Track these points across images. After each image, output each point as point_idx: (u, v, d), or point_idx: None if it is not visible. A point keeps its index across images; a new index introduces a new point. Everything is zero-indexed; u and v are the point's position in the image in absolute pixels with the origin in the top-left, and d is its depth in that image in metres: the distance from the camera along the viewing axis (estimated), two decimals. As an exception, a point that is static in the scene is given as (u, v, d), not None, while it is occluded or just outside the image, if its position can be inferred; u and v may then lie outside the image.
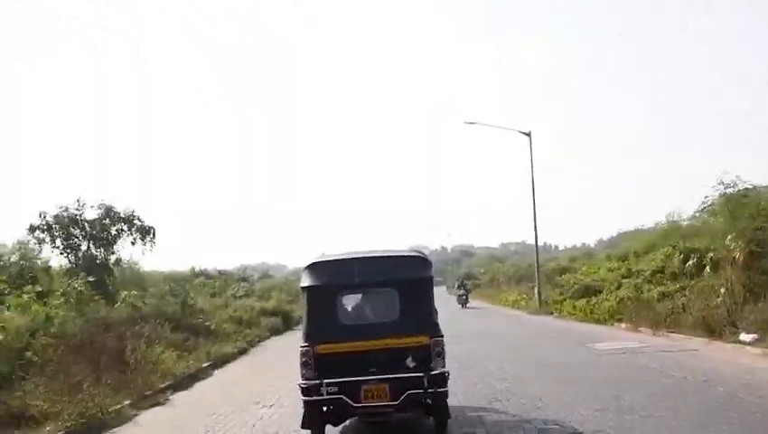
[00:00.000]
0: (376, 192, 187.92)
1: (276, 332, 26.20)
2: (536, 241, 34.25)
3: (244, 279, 43.92)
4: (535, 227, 31.85)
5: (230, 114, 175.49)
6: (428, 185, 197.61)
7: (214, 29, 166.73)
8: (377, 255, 8.04)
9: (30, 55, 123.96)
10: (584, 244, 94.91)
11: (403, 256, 8.12)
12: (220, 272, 43.59)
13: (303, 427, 7.65)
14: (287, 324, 28.69)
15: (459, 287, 48.50)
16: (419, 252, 8.20)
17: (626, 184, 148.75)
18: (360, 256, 7.96)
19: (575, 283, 29.50)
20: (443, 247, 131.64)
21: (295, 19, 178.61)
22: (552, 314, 27.51)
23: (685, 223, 26.19)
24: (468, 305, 39.18)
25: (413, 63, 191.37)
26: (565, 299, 27.96)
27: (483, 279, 63.84)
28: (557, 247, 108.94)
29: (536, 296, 31.45)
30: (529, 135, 30.85)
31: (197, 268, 41.23)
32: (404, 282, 7.62)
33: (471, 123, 32.78)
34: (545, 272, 35.68)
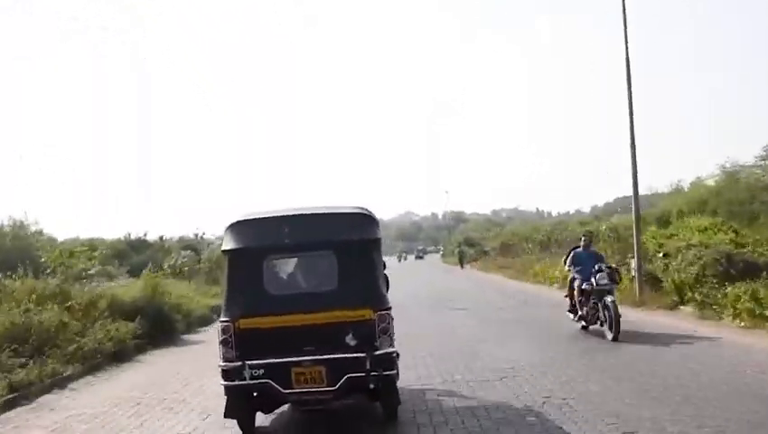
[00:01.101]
0: (371, 164, 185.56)
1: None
2: (635, 194, 17.70)
3: (190, 247, 32.17)
4: (634, 174, 17.10)
5: (230, 114, 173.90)
6: (421, 151, 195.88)
7: (214, 29, 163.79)
8: (312, 212, 6.69)
9: (30, 55, 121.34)
10: (577, 210, 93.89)
11: (343, 213, 6.74)
12: (161, 238, 35.99)
13: (226, 415, 6.45)
14: (166, 331, 14.77)
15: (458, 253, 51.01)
16: (364, 208, 6.82)
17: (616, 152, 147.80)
18: (292, 214, 6.63)
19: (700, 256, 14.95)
20: (433, 213, 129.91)
21: (295, 19, 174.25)
22: (702, 316, 13.14)
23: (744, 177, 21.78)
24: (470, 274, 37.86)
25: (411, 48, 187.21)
26: (702, 281, 14.15)
27: (490, 245, 54.28)
28: (549, 213, 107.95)
29: (634, 275, 16.64)
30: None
31: (132, 235, 34.76)
32: (344, 244, 6.36)
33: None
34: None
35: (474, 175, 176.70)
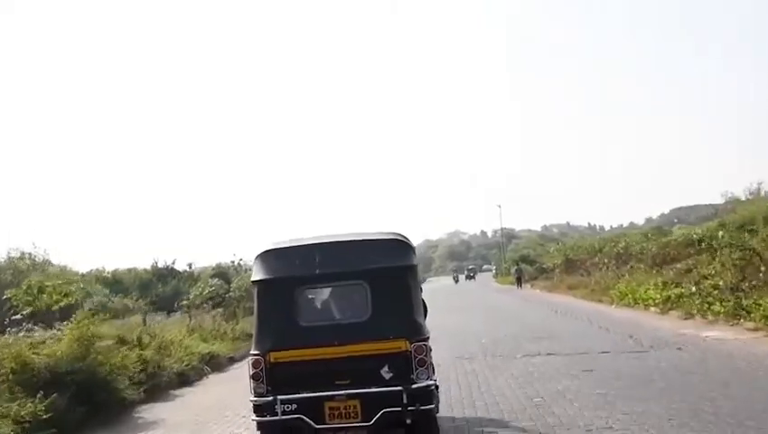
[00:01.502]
0: (415, 184, 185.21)
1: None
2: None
3: (219, 275, 29.42)
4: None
5: (270, 135, 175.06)
6: (467, 167, 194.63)
7: (250, 50, 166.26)
8: (344, 239, 6.47)
9: (30, 55, 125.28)
10: (631, 223, 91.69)
11: (376, 240, 6.47)
12: (189, 266, 32.90)
13: (259, 451, 6.23)
14: (104, 405, 9.97)
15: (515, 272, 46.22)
16: (398, 234, 6.55)
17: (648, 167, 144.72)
18: (323, 241, 6.41)
19: None
20: (482, 231, 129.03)
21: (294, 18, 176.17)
22: None
23: None
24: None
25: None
26: None
27: (549, 262, 46.55)
28: (602, 227, 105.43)
29: None
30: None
31: (159, 264, 31.72)
32: (378, 272, 6.09)
33: None
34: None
35: (522, 191, 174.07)
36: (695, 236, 23.88)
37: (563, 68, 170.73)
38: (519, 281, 44.24)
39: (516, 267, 49.29)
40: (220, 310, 21.47)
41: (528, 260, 55.00)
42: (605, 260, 32.20)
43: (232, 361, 15.41)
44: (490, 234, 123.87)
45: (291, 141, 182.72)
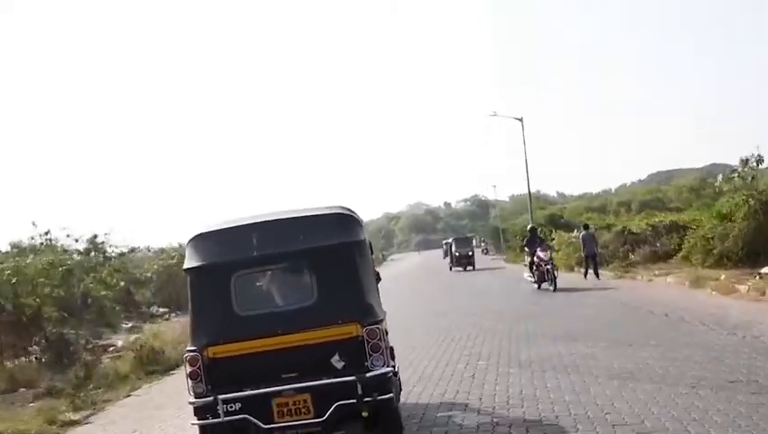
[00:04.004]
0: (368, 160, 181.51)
1: None
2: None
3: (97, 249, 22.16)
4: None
5: (230, 115, 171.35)
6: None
7: (215, 32, 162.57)
8: (282, 217, 5.82)
9: (29, 55, 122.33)
10: (604, 190, 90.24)
11: (318, 215, 5.85)
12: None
13: (203, 459, 5.61)
14: None
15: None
16: (344, 208, 5.97)
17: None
18: (260, 220, 5.76)
19: None
20: (446, 202, 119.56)
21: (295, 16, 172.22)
22: None
23: None
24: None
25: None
26: None
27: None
28: (572, 195, 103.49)
29: None
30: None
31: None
32: (321, 251, 5.50)
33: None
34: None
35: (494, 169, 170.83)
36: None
37: (562, 68, 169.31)
38: (590, 266, 21.25)
39: (585, 231, 21.98)
40: None
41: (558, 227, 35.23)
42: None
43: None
44: (454, 204, 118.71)
45: (245, 116, 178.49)
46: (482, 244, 58.96)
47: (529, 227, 24.49)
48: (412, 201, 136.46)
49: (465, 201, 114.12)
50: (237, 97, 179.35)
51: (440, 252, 58.49)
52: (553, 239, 29.32)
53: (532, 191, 42.18)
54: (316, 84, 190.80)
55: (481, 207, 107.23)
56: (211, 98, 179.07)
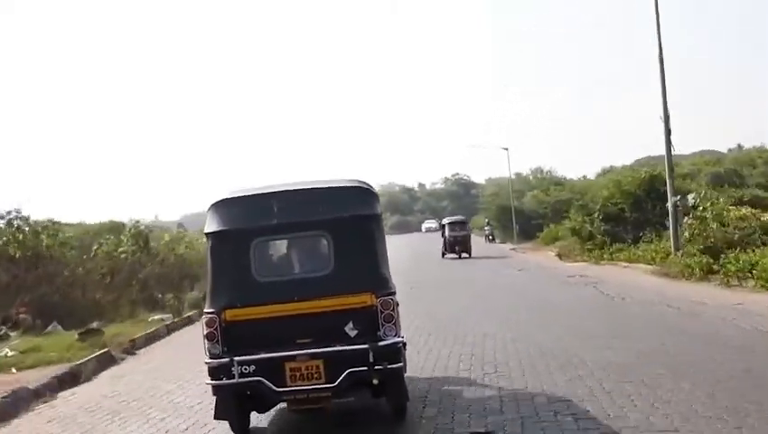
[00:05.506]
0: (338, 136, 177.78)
1: None
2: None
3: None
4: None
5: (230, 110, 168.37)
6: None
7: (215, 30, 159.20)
8: (303, 187, 6.00)
9: (28, 55, 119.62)
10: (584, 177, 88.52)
11: (338, 187, 6.06)
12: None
13: (216, 417, 5.85)
14: None
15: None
16: (362, 181, 6.16)
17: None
18: (281, 189, 5.94)
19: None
20: (420, 183, 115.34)
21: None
22: None
23: None
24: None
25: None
26: None
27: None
28: (565, 177, 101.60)
29: None
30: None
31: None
32: (339, 222, 5.67)
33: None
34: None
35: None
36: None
37: (562, 66, 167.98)
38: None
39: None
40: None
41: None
42: None
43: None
44: (429, 186, 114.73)
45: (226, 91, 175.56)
46: (486, 228, 47.88)
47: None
48: (384, 181, 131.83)
49: (446, 180, 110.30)
50: (226, 84, 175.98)
51: (418, 236, 51.93)
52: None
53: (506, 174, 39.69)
54: (304, 68, 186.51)
55: (462, 187, 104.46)
56: (196, 84, 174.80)
